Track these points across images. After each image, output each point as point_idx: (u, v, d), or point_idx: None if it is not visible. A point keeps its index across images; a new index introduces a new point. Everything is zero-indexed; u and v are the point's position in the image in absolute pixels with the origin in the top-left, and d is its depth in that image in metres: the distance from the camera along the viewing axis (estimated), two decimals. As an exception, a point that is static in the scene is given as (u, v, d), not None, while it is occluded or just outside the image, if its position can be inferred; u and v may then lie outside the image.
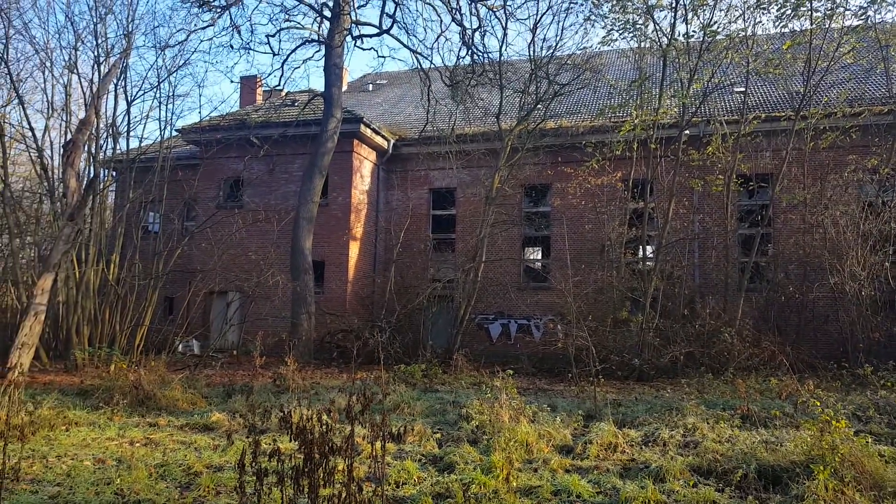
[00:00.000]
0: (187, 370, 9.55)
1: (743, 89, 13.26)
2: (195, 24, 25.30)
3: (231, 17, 16.01)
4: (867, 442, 5.54)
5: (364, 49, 19.85)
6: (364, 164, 14.28)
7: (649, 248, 13.78)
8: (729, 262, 12.71)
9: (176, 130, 14.67)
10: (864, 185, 12.22)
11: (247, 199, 14.35)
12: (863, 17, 11.59)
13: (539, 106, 12.76)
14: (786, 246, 12.76)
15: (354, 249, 13.53)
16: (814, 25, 12.00)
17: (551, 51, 12.89)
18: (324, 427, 4.41)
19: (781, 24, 12.53)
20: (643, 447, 6.54)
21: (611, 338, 11.26)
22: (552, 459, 6.13)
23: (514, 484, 5.61)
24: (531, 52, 12.90)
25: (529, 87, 12.80)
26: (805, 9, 11.87)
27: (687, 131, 12.99)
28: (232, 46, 26.82)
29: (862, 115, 12.52)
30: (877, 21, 12.27)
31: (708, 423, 6.93)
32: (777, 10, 12.05)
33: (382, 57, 32.06)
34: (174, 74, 16.47)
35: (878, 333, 10.78)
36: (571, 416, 7.51)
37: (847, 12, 11.76)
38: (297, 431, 4.40)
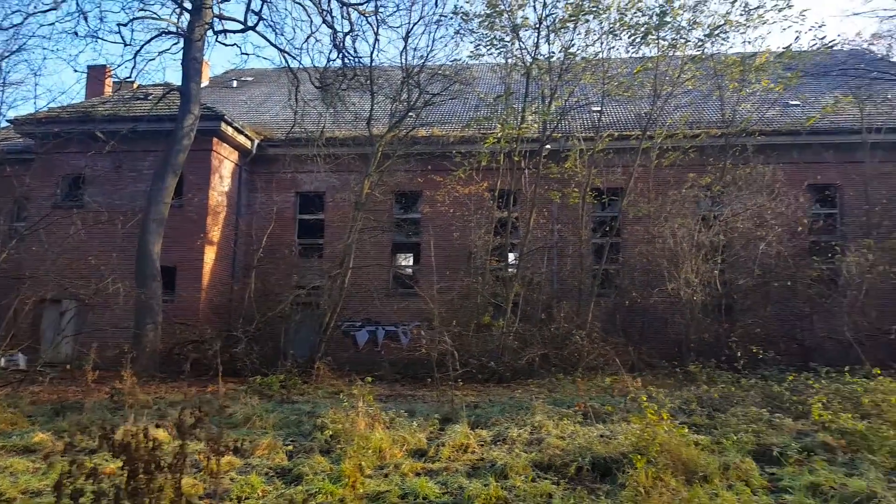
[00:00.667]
0: (10, 387, 8.59)
1: (599, 109, 14.22)
2: (34, 7, 22.96)
3: (77, 2, 14.73)
4: (685, 432, 6.09)
5: (226, 45, 18.99)
6: (224, 165, 13.65)
7: (512, 256, 14.34)
8: (583, 269, 13.52)
9: (7, 121, 13.26)
10: (700, 201, 13.49)
11: (88, 198, 13.18)
12: (700, 49, 12.84)
13: (411, 114, 12.90)
14: (632, 255, 13.80)
15: (211, 254, 12.86)
16: (660, 53, 13.14)
17: (423, 60, 13.09)
18: (150, 443, 4.14)
19: (633, 51, 13.65)
20: (493, 446, 6.76)
21: (474, 342, 11.57)
22: (404, 464, 6.17)
23: (362, 490, 5.58)
24: (403, 60, 13.03)
25: (401, 95, 12.91)
26: (653, 37, 12.97)
27: (548, 146, 13.71)
28: (77, 34, 24.61)
29: (699, 136, 13.83)
30: (713, 53, 13.70)
31: (553, 421, 7.28)
32: (628, 38, 13.09)
33: (246, 54, 30.95)
34: (6, 60, 14.79)
35: (707, 334, 11.95)
36: (428, 420, 7.60)
37: (689, 43, 12.95)
38: (121, 448, 4.10)
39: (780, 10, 12.88)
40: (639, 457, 5.32)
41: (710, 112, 15.51)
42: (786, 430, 6.86)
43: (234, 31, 12.69)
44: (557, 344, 11.84)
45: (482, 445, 6.75)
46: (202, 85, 13.97)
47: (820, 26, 15.14)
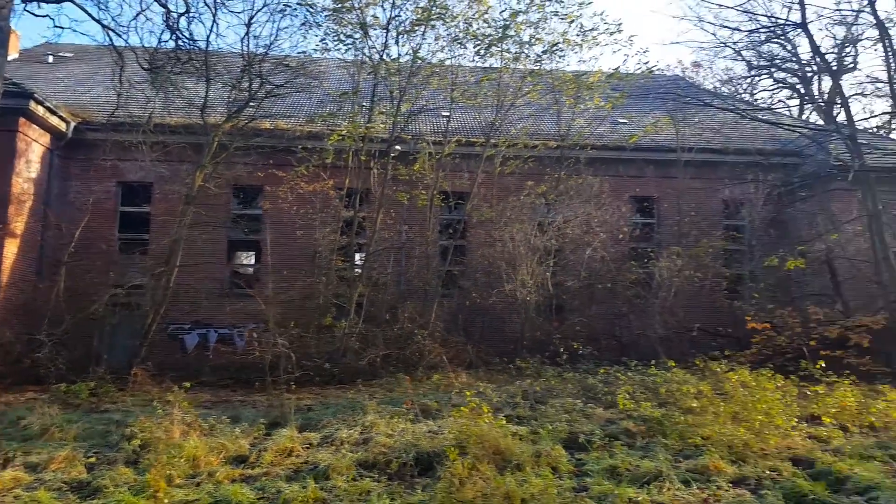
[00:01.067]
0: None
1: (447, 114, 14.55)
2: None
3: None
4: (503, 424, 6.36)
5: (38, 15, 16.96)
6: (33, 148, 12.13)
7: (360, 257, 14.21)
8: (429, 270, 13.73)
9: None
10: (536, 208, 14.23)
11: None
12: (539, 63, 13.59)
13: (252, 104, 12.32)
14: (475, 257, 14.25)
15: (12, 248, 11.34)
16: (503, 65, 13.73)
17: (266, 49, 12.55)
18: None
19: (480, 60, 14.14)
20: (320, 449, 6.62)
21: (314, 344, 11.29)
22: (220, 471, 5.85)
23: (167, 501, 5.19)
24: (244, 48, 12.42)
25: (242, 84, 12.29)
26: (497, 49, 13.52)
27: (398, 147, 13.76)
28: None
29: (538, 147, 14.61)
30: (552, 69, 14.58)
31: (385, 420, 7.27)
32: (474, 48, 13.54)
33: (61, 27, 27.99)
34: None
35: (539, 332, 12.65)
36: (254, 425, 7.29)
37: (529, 57, 13.67)
38: None
39: (611, 34, 14.03)
40: (452, 449, 5.45)
41: (548, 124, 16.47)
42: (596, 418, 7.41)
43: (49, 1, 11.33)
44: (400, 344, 11.90)
45: (308, 448, 6.59)
46: (9, 58, 12.32)
47: (644, 52, 16.73)
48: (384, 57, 12.63)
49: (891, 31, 13.54)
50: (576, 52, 14.41)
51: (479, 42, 13.01)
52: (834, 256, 13.06)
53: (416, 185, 13.71)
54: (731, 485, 5.05)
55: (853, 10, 17.15)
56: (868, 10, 13.31)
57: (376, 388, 9.83)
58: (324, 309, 11.92)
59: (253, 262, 18.57)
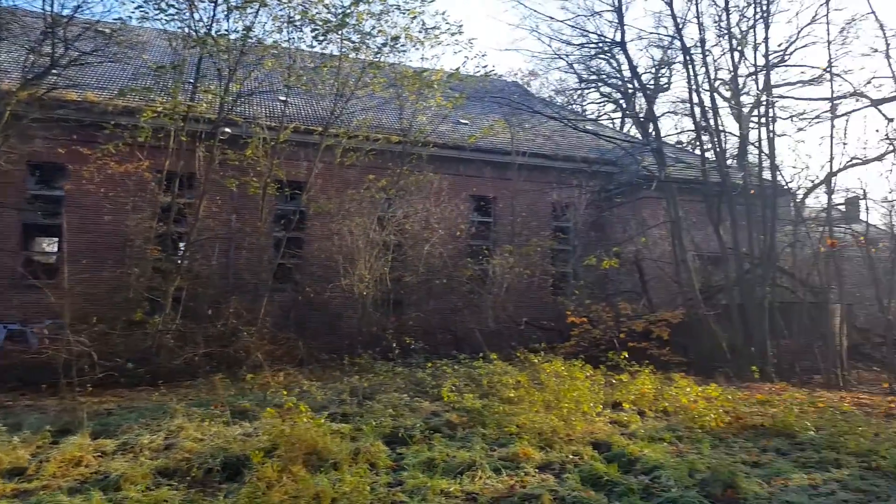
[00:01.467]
0: None
1: (284, 99, 13.91)
2: None
3: None
4: (321, 423, 6.12)
5: None
6: None
7: (182, 246, 13.12)
8: (261, 262, 13.05)
9: None
10: (377, 202, 14.09)
11: None
12: (379, 55, 13.45)
13: (54, 71, 10.85)
14: (311, 250, 13.81)
15: None
16: (343, 53, 13.40)
17: (73, 11, 11.13)
18: None
19: (320, 46, 13.67)
20: (115, 457, 5.96)
21: (122, 342, 10.20)
22: (-15, 487, 5.00)
23: None
24: (47, 7, 10.93)
25: (43, 48, 10.78)
26: (337, 36, 13.16)
27: (227, 129, 12.91)
28: None
29: (380, 141, 14.49)
30: (394, 63, 14.50)
31: (195, 423, 6.73)
32: (311, 32, 13.07)
33: None
34: None
35: (375, 328, 12.53)
36: (39, 433, 6.37)
37: (370, 48, 13.46)
38: None
39: (452, 35, 14.25)
40: (257, 452, 5.13)
41: (391, 119, 16.43)
42: (422, 412, 7.41)
43: None
44: (224, 342, 11.16)
45: (101, 457, 5.88)
46: None
47: (483, 55, 17.23)
48: (212, 32, 11.75)
49: (696, 58, 15.23)
50: (417, 49, 14.47)
51: (317, 27, 12.58)
52: (642, 258, 14.38)
53: (248, 171, 12.97)
54: (537, 470, 5.24)
55: (668, 35, 19.03)
56: (678, 37, 14.83)
57: (191, 390, 9.10)
58: (134, 303, 10.82)
59: (54, 248, 16.48)
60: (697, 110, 14.83)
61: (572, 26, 20.68)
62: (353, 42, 13.40)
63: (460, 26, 14.28)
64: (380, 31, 13.50)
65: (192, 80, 12.42)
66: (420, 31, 13.97)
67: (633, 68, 16.38)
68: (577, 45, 17.63)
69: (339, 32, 12.76)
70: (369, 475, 5.36)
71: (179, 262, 12.03)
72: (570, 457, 5.54)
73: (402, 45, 13.79)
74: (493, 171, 16.89)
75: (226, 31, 11.90)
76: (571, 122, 17.61)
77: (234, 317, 11.41)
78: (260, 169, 12.98)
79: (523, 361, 8.46)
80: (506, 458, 5.54)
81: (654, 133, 15.44)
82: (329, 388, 8.43)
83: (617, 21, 15.10)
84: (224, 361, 10.70)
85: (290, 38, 13.05)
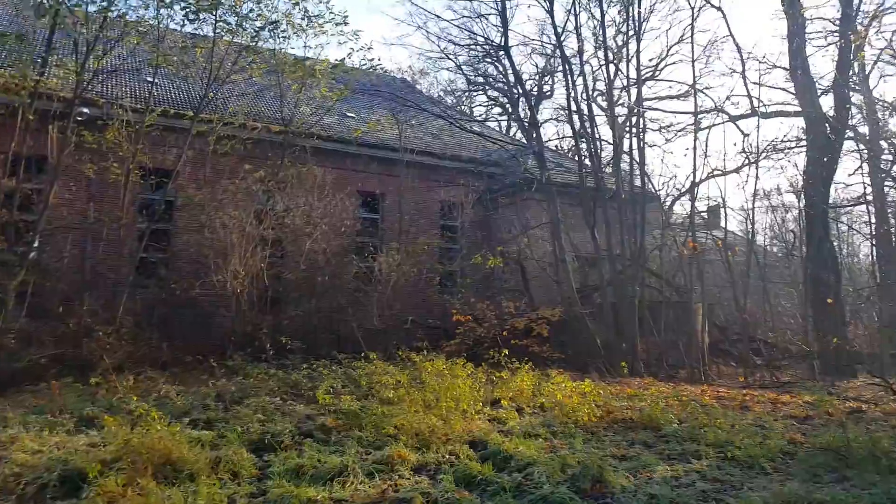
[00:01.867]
0: None
1: (152, 80, 12.84)
2: None
3: None
4: (177, 430, 5.58)
5: None
6: None
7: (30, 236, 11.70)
8: (122, 256, 11.94)
9: None
10: (254, 194, 13.35)
11: None
12: (257, 40, 12.74)
13: None
14: (180, 243, 12.85)
15: None
16: (217, 34, 12.56)
17: None
18: None
19: (193, 27, 12.75)
20: (-78, 478, 5.07)
21: (-52, 343, 8.89)
22: None
23: None
24: None
25: None
26: (210, 16, 12.31)
27: (86, 110, 11.74)
28: None
29: (258, 129, 13.75)
30: (275, 48, 13.82)
31: (32, 433, 5.95)
32: (182, 10, 12.14)
33: None
34: None
35: (251, 327, 11.83)
36: None
37: (247, 31, 12.72)
38: None
39: (336, 24, 13.80)
40: (93, 465, 4.56)
41: (272, 108, 15.70)
42: (295, 416, 7.00)
43: None
44: (76, 343, 10.07)
45: None
46: None
47: (369, 48, 16.89)
48: (65, 1, 10.57)
49: (575, 68, 15.81)
50: (300, 37, 13.88)
51: (187, 5, 11.69)
52: (525, 257, 14.69)
53: (109, 156, 11.82)
54: (412, 472, 5.06)
55: (551, 44, 19.62)
56: (558, 47, 15.31)
57: (32, 395, 8.07)
58: (-33, 300, 9.49)
59: None
60: (576, 118, 15.40)
61: (459, 27, 20.77)
62: (229, 24, 12.61)
63: (345, 16, 13.88)
64: (259, 15, 12.82)
65: (43, 54, 11.12)
66: (303, 19, 13.44)
67: (516, 73, 16.75)
68: (464, 45, 17.73)
69: (214, 13, 11.95)
70: (230, 485, 4.95)
71: (25, 253, 10.70)
72: (447, 457, 5.41)
73: (283, 32, 13.19)
74: (381, 167, 16.60)
75: (83, 1, 10.74)
76: (458, 121, 17.71)
77: (88, 315, 10.33)
78: (122, 154, 11.87)
79: (405, 361, 8.24)
80: (380, 461, 5.30)
81: (536, 138, 15.83)
82: (193, 393, 7.78)
83: (501, 25, 15.35)
84: (76, 364, 9.63)
85: (157, 16, 12.04)
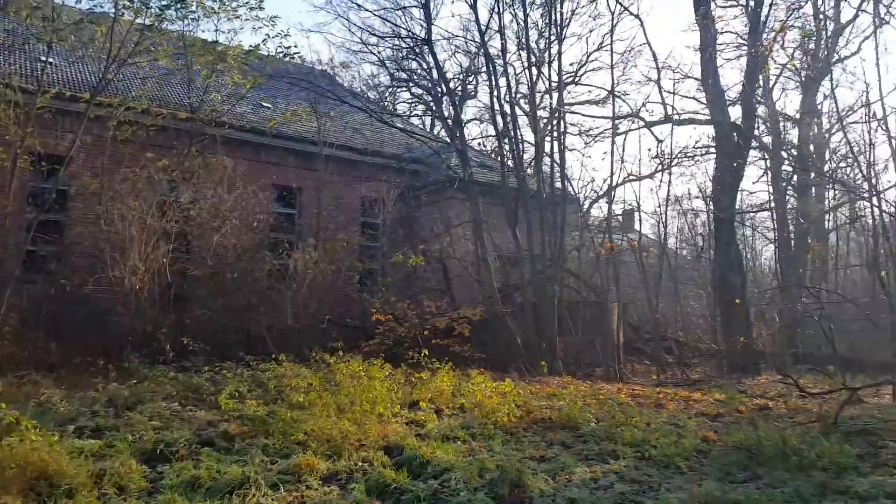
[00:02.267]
0: None
1: (46, 59, 11.74)
2: None
3: None
4: (58, 438, 4.99)
5: None
6: None
7: None
8: (6, 249, 10.81)
9: None
10: (157, 184, 12.47)
11: None
12: (162, 20, 11.89)
13: None
14: (73, 235, 11.82)
15: None
16: (119, 13, 11.64)
17: None
18: None
19: (92, 5, 11.76)
20: None
21: None
22: None
23: None
24: None
25: None
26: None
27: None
28: None
29: (164, 116, 12.87)
30: (181, 30, 13.00)
31: None
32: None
33: None
34: None
35: (151, 327, 10.99)
36: None
37: (151, 11, 11.82)
38: None
39: (251, 9, 13.10)
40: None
41: (180, 93, 14.77)
42: (195, 423, 6.45)
43: None
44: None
45: None
46: None
47: (285, 35, 16.16)
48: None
49: (498, 69, 15.77)
50: (210, 19, 13.07)
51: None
52: (447, 256, 14.51)
53: (-3, 141, 10.70)
54: (321, 482, 4.69)
55: (475, 41, 19.55)
56: (482, 47, 15.24)
57: None
58: None
59: None
60: (499, 119, 15.38)
61: (381, 17, 20.30)
62: (136, 4, 11.69)
63: (261, 1, 13.21)
64: (166, -4, 11.94)
65: None
66: (214, 0, 12.67)
67: (439, 69, 16.56)
68: (386, 38, 17.35)
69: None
70: (115, 501, 4.42)
71: None
72: (360, 464, 5.07)
73: (192, 13, 12.37)
74: (299, 160, 15.97)
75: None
76: (378, 114, 17.32)
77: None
78: (9, 138, 10.78)
79: (319, 362, 7.80)
80: (287, 470, 4.90)
81: (459, 136, 15.70)
82: (80, 398, 7.04)
83: (424, 19, 15.13)
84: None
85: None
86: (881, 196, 8.02)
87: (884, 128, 7.73)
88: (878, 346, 9.91)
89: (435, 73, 16.60)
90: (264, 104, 16.74)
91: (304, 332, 12.67)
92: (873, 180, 8.46)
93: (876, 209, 8.04)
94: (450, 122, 17.81)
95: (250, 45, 13.92)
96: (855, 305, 10.12)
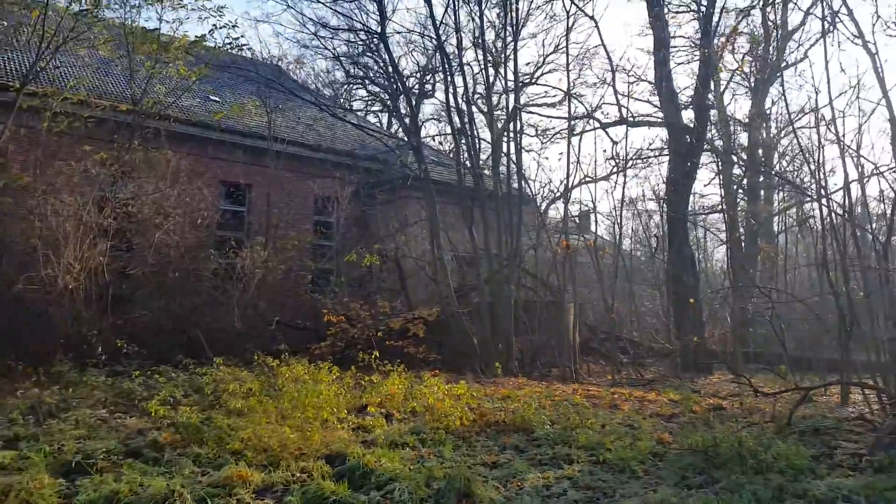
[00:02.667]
0: None
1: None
2: None
3: None
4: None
5: None
6: None
7: None
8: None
9: None
10: (95, 179, 11.79)
11: None
12: (97, 7, 11.26)
13: None
14: (2, 231, 11.04)
15: None
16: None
17: None
18: None
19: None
20: None
21: None
22: None
23: None
24: None
25: None
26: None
27: None
28: None
29: (104, 107, 12.22)
30: (122, 17, 12.38)
31: None
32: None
33: None
34: None
35: (86, 329, 10.34)
36: None
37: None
38: None
39: (197, -1, 12.57)
40: None
41: (122, 85, 14.07)
42: (123, 431, 5.99)
43: None
44: None
45: None
46: None
47: (233, 26, 15.39)
48: None
49: (455, 68, 15.51)
50: (153, 7, 12.49)
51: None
52: (402, 255, 14.19)
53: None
54: (254, 496, 4.33)
55: (430, 35, 19.24)
56: (439, 45, 14.93)
57: None
58: None
59: None
60: (456, 118, 15.12)
61: (332, 9, 19.75)
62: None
63: (207, -10, 12.69)
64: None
65: None
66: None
67: (394, 65, 16.21)
68: (339, 30, 16.90)
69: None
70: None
71: None
72: (298, 475, 4.72)
73: (132, 1, 11.77)
74: (249, 156, 15.44)
75: None
76: (330, 108, 16.90)
77: None
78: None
79: (262, 366, 7.38)
80: (217, 483, 4.51)
81: (415, 132, 15.42)
82: (-1, 406, 6.49)
83: (378, 12, 14.79)
84: None
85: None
86: (829, 198, 8.04)
87: (832, 130, 7.72)
88: (824, 345, 10.02)
89: (390, 68, 16.24)
90: (212, 98, 16.13)
91: (252, 334, 12.17)
92: (822, 182, 8.50)
93: (825, 209, 8.06)
94: (406, 120, 17.51)
95: (196, 36, 13.35)
96: (804, 305, 10.23)
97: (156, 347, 10.80)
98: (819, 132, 7.88)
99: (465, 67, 15.79)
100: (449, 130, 14.69)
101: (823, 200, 8.06)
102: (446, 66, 15.10)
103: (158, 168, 12.54)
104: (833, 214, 7.87)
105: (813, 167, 9.66)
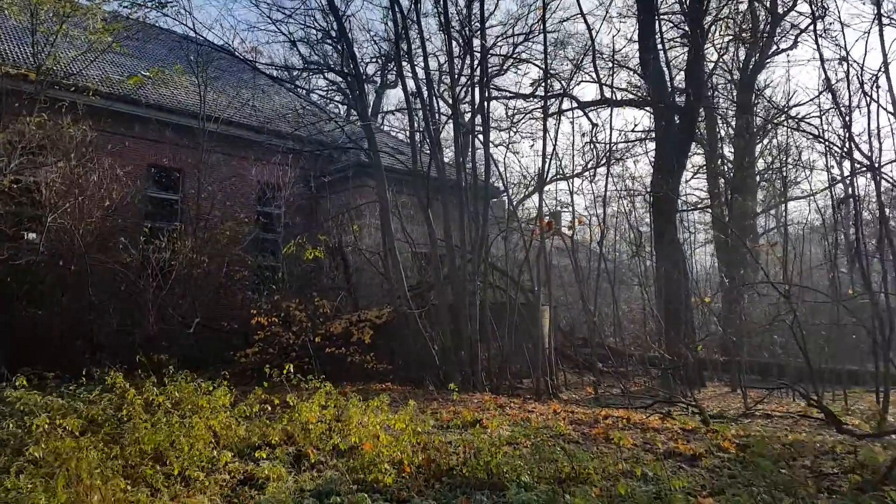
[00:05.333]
0: None
1: None
2: None
3: None
4: None
5: None
6: None
7: None
8: None
9: None
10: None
11: None
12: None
13: None
14: None
15: None
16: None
17: None
18: None
19: None
20: None
21: None
22: None
23: None
24: None
25: None
26: None
27: None
28: None
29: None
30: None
31: None
32: None
33: None
34: None
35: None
36: None
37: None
38: None
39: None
40: None
41: (25, 49, 11.99)
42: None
43: None
44: None
45: None
46: None
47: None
48: None
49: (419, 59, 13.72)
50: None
51: None
52: (346, 246, 12.32)
53: None
54: None
55: (392, 19, 17.40)
56: (404, 35, 13.04)
57: None
58: None
59: None
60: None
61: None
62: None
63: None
64: None
65: None
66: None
67: (352, 53, 14.38)
68: (292, 12, 15.03)
69: None
70: None
71: None
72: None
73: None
74: (182, 136, 13.44)
75: None
76: (278, 80, 14.95)
77: None
78: None
79: (113, 386, 5.36)
80: None
81: (363, 112, 13.57)
82: None
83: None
84: None
85: None
86: (880, 170, 6.49)
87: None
88: (855, 353, 8.45)
89: (344, 47, 14.34)
90: (144, 73, 14.06)
91: (166, 337, 10.22)
92: (871, 149, 6.98)
93: (873, 184, 6.49)
94: (359, 99, 15.58)
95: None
96: (828, 306, 8.67)
97: (50, 352, 8.85)
98: (864, 88, 6.30)
99: (429, 57, 13.97)
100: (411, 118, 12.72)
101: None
102: (411, 57, 13.27)
103: (62, 145, 10.54)
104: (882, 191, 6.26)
105: (854, 131, 8.04)
